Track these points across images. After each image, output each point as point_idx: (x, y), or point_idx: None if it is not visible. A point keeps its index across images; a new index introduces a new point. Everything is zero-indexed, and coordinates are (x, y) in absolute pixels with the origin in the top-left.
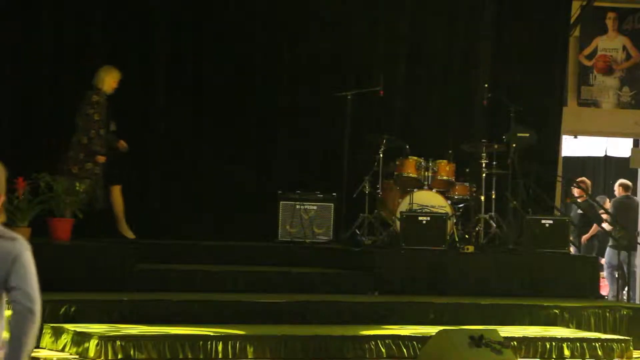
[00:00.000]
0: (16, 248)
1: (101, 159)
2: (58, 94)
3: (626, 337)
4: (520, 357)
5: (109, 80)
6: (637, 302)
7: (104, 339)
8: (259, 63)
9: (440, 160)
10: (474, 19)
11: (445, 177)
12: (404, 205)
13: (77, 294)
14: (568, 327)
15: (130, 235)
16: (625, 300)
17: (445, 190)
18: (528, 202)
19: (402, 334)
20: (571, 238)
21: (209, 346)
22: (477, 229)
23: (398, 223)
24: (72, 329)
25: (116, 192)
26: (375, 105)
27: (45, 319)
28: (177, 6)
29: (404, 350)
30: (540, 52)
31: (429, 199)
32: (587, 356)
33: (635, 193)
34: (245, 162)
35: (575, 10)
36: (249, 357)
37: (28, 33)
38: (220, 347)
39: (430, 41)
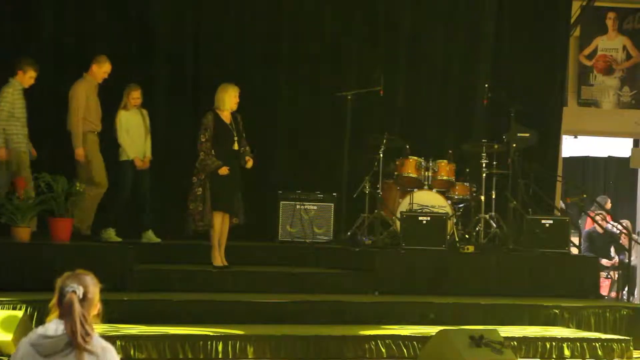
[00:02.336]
0: None
1: (223, 170)
2: (58, 94)
3: (626, 337)
4: (520, 357)
5: (220, 97)
6: (637, 301)
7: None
8: (259, 63)
9: (440, 160)
10: (474, 19)
11: (445, 177)
12: (404, 205)
13: None
14: (568, 327)
15: (218, 263)
16: (625, 300)
17: (445, 190)
18: (528, 202)
19: (402, 334)
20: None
21: (209, 346)
22: (477, 229)
23: (398, 223)
24: None
25: (218, 218)
26: (375, 105)
27: (44, 319)
28: (177, 6)
29: (404, 350)
30: (540, 52)
31: (429, 199)
32: (587, 356)
33: (635, 192)
34: None
35: (575, 10)
36: (249, 357)
37: (28, 33)
38: (220, 347)
39: (430, 41)
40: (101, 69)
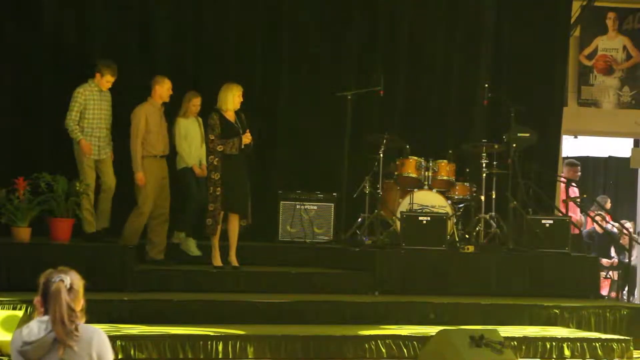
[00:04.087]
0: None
1: (247, 137)
2: (58, 94)
3: (626, 337)
4: (520, 357)
5: (222, 97)
6: (637, 301)
7: None
8: (259, 63)
9: (440, 160)
10: (474, 19)
11: (445, 177)
12: (404, 205)
13: None
14: (568, 327)
15: (218, 263)
16: (625, 300)
17: (445, 190)
18: (528, 202)
19: (402, 334)
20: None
21: (209, 346)
22: (477, 229)
23: (398, 223)
24: None
25: (232, 220)
26: (375, 105)
27: None
28: (177, 6)
29: (404, 350)
30: (540, 52)
31: (429, 199)
32: (587, 356)
33: (635, 192)
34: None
35: (575, 10)
36: (249, 357)
37: (28, 33)
38: (220, 347)
39: (430, 41)
40: (164, 88)
